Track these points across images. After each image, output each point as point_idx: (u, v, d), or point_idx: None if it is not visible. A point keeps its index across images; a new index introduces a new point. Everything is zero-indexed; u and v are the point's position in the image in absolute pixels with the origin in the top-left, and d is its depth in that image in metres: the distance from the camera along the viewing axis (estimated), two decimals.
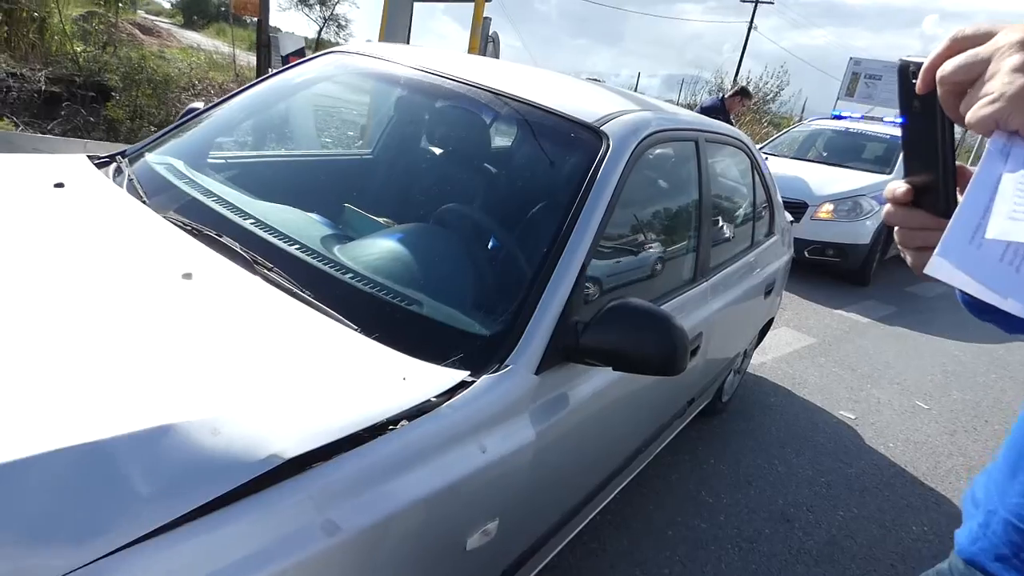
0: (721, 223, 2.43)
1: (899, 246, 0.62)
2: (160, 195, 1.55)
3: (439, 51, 2.25)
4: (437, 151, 1.99)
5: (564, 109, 1.67)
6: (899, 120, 0.56)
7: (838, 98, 11.50)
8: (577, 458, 1.47)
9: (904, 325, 5.32)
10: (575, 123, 1.63)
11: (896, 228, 0.61)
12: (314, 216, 1.64)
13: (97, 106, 7.13)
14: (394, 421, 1.02)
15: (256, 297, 1.21)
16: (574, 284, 1.34)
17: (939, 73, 0.49)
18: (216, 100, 2.08)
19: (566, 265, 1.35)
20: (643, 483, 2.39)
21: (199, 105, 2.08)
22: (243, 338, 1.08)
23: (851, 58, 11.69)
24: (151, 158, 1.78)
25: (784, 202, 5.17)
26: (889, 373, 4.21)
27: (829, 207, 5.93)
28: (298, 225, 1.53)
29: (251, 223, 1.45)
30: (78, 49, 8.20)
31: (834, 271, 6.16)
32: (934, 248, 0.58)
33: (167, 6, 41.44)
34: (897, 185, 0.58)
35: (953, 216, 0.47)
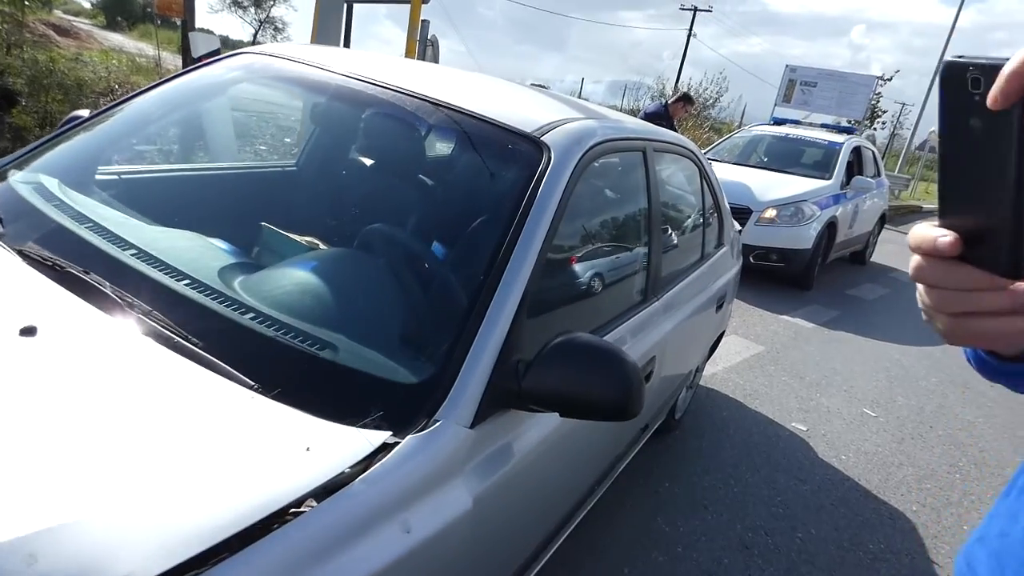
0: (672, 236, 2.31)
1: (926, 309, 0.47)
2: (18, 223, 1.29)
3: (364, 53, 2.05)
4: (361, 164, 1.79)
5: (501, 118, 1.50)
6: (936, 134, 0.41)
7: (776, 104, 11.74)
8: (523, 515, 1.30)
9: (848, 329, 5.38)
10: (513, 133, 1.46)
11: (923, 287, 0.46)
12: (217, 242, 1.42)
13: (1, 113, 6.57)
14: (298, 503, 0.83)
15: (121, 354, 0.98)
16: (514, 316, 1.16)
17: None
18: (103, 107, 1.82)
19: (505, 294, 1.17)
20: (596, 515, 2.24)
21: (83, 113, 1.81)
22: (94, 413, 0.86)
23: (787, 65, 11.96)
24: (16, 177, 1.51)
25: (729, 207, 5.19)
26: (836, 380, 4.21)
27: (772, 212, 5.96)
28: (194, 254, 1.31)
29: (131, 254, 1.22)
30: None
31: (778, 276, 6.20)
32: (982, 314, 0.43)
33: (87, 6, 39.51)
34: (934, 232, 0.42)
35: None
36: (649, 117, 5.75)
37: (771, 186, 6.27)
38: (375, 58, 1.92)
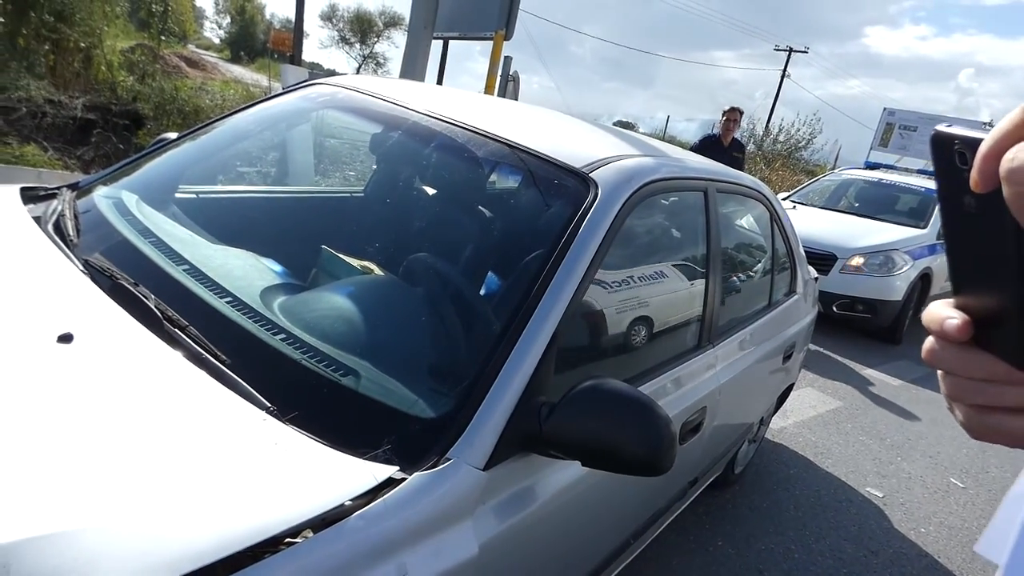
0: (734, 281, 2.20)
1: (945, 396, 0.41)
2: (91, 234, 1.39)
3: (429, 87, 2.10)
4: (416, 193, 1.82)
5: (553, 152, 1.48)
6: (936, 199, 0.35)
7: (871, 148, 11.20)
8: (537, 569, 1.24)
9: (937, 389, 4.93)
10: (561, 168, 1.44)
11: (941, 373, 0.40)
12: (269, 262, 1.47)
13: (129, 134, 7.22)
14: (294, 533, 0.82)
15: (146, 367, 1.02)
16: (542, 356, 1.13)
17: (1008, 165, 0.28)
18: (192, 128, 1.95)
19: (535, 332, 1.14)
20: (638, 568, 2.12)
21: (171, 135, 1.95)
22: (100, 425, 0.89)
23: (885, 108, 11.41)
24: (102, 191, 1.63)
25: (812, 253, 4.93)
26: (921, 444, 3.87)
27: (860, 260, 5.63)
28: (240, 273, 1.36)
29: (184, 270, 1.28)
30: (119, 79, 8.39)
31: (864, 327, 5.82)
32: (1005, 409, 0.37)
33: (216, 41, 43.29)
34: (944, 312, 0.37)
35: None
36: (702, 146, 5.67)
37: (860, 233, 5.93)
38: (437, 91, 1.96)
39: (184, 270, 1.29)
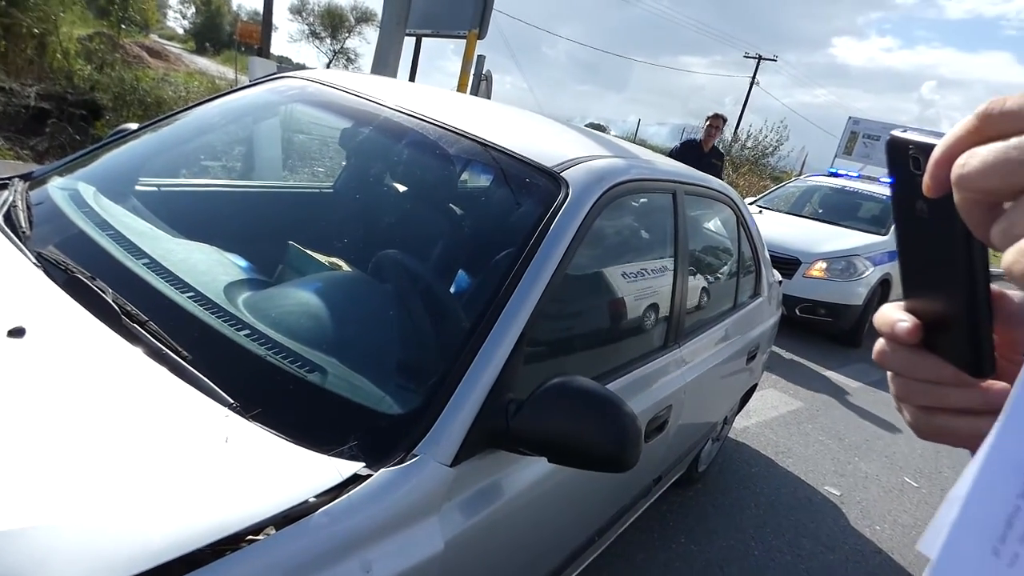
0: (700, 282, 2.24)
1: (894, 396, 0.42)
2: (45, 227, 1.35)
3: (401, 83, 2.09)
4: (385, 189, 1.80)
5: (523, 151, 1.49)
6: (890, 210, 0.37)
7: (836, 156, 11.50)
8: (503, 564, 1.24)
9: None
10: (532, 166, 1.45)
11: (891, 374, 0.41)
12: (234, 258, 1.44)
13: (86, 124, 7.01)
14: (256, 530, 0.81)
15: (105, 362, 0.99)
16: (511, 354, 1.13)
17: (958, 171, 0.29)
18: (154, 119, 1.90)
19: (503, 329, 1.14)
20: (602, 565, 2.14)
21: (132, 126, 1.90)
22: (53, 421, 0.86)
23: (850, 117, 11.71)
24: (57, 182, 1.58)
25: (777, 257, 5.03)
26: (878, 444, 3.98)
27: (822, 265, 5.76)
28: (204, 268, 1.33)
29: (144, 264, 1.25)
30: (76, 67, 8.14)
31: (825, 331, 5.97)
32: (950, 410, 0.38)
33: (181, 32, 42.29)
34: (895, 315, 0.38)
35: (966, 484, 0.26)
36: (682, 149, 5.66)
37: (823, 238, 6.08)
38: (409, 88, 1.95)
39: (144, 264, 1.26)
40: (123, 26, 11.22)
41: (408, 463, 0.97)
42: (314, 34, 39.24)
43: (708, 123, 5.82)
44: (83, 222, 1.37)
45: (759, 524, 2.75)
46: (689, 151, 5.60)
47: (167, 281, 1.21)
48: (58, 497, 0.75)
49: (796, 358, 5.33)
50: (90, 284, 1.11)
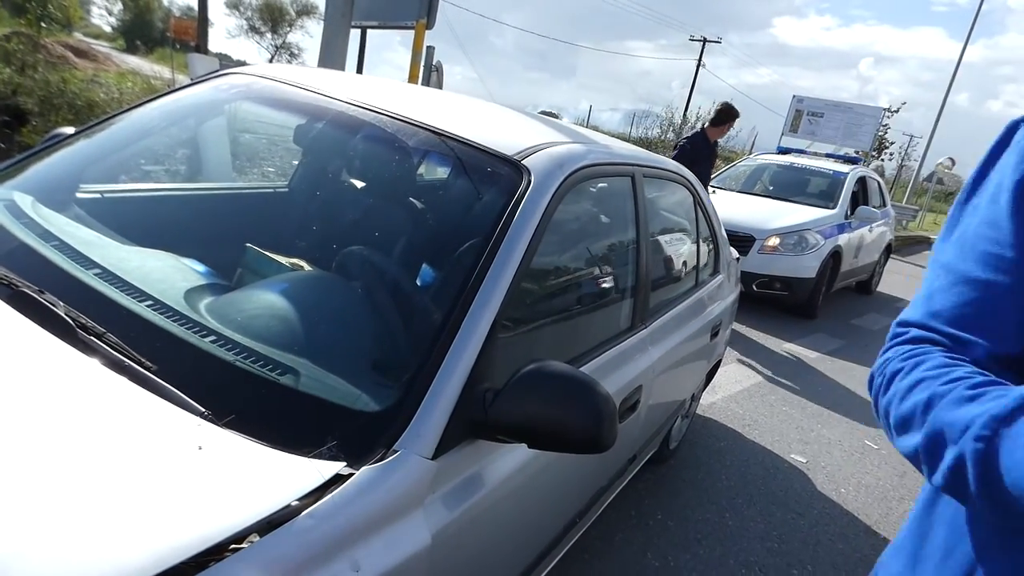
0: (662, 263, 2.27)
1: None
2: None
3: (353, 76, 2.05)
4: (343, 186, 1.77)
5: (483, 140, 1.48)
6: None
7: (782, 134, 11.80)
8: (490, 552, 1.24)
9: (852, 359, 5.29)
10: (493, 156, 1.44)
11: None
12: (191, 263, 1.39)
13: (10, 131, 6.67)
14: (239, 538, 0.79)
15: (62, 378, 0.95)
16: (484, 343, 1.13)
17: None
18: (91, 123, 1.82)
19: (476, 320, 1.14)
20: (583, 546, 2.17)
21: (67, 130, 1.81)
22: (18, 440, 0.82)
23: (794, 96, 12.03)
24: None
25: (732, 235, 5.12)
26: (838, 411, 4.12)
27: (776, 240, 5.92)
28: (160, 276, 1.29)
29: (95, 274, 1.20)
30: None
31: (782, 304, 6.14)
32: None
33: (108, 29, 40.43)
34: None
35: None
36: (691, 146, 5.24)
37: (775, 214, 6.24)
38: (361, 80, 1.91)
39: (96, 274, 1.20)
40: (43, 24, 10.62)
41: (389, 459, 0.96)
42: (253, 29, 38.17)
43: (727, 124, 5.27)
44: (23, 233, 1.30)
45: (731, 495, 2.82)
46: (700, 145, 5.23)
47: (122, 290, 1.16)
48: (25, 521, 0.71)
49: (756, 332, 5.47)
50: (38, 298, 1.06)
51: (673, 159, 5.20)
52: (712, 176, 7.92)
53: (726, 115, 5.19)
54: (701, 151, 5.18)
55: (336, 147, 1.78)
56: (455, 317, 1.13)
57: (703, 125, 5.53)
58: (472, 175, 1.45)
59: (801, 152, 8.46)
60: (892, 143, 21.81)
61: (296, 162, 2.19)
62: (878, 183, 8.18)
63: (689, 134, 5.60)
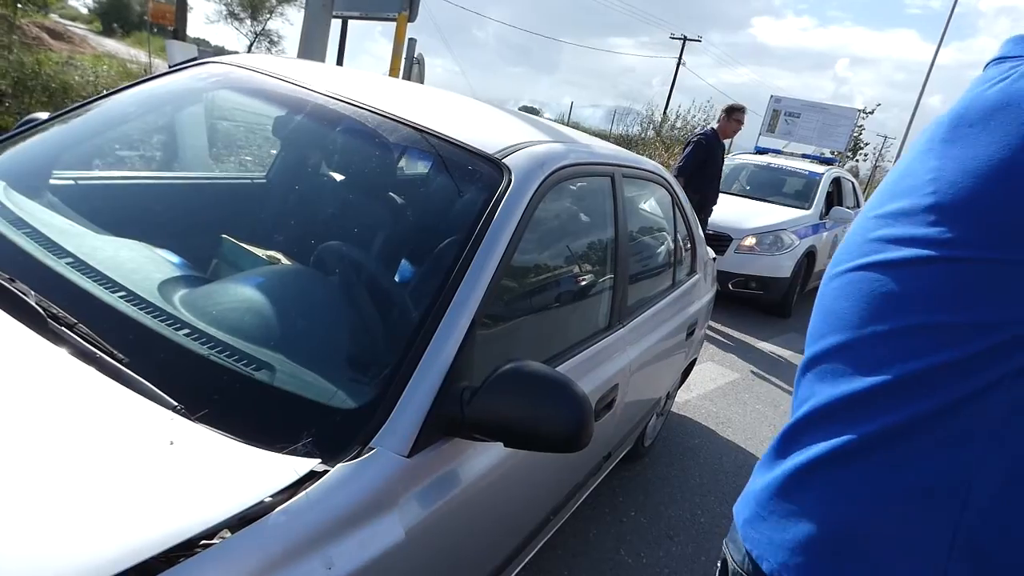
0: (640, 263, 2.29)
1: None
2: None
3: (335, 68, 2.03)
4: (322, 179, 1.76)
5: (463, 138, 1.48)
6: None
7: (760, 134, 11.93)
8: (465, 548, 1.25)
9: None
10: (474, 154, 1.44)
11: None
12: (165, 254, 1.37)
13: None
14: (210, 534, 0.78)
15: (30, 369, 0.93)
16: (462, 342, 1.13)
17: None
18: (66, 108, 1.78)
19: (454, 318, 1.14)
20: (557, 543, 2.19)
21: (41, 115, 1.77)
22: None
23: (772, 96, 12.17)
24: None
25: (710, 234, 5.18)
26: None
27: (752, 240, 6.00)
28: (136, 266, 1.27)
29: (67, 263, 1.18)
30: None
31: (757, 303, 6.23)
32: None
33: (84, 11, 39.51)
34: None
35: None
36: (707, 142, 5.26)
37: (752, 214, 6.32)
38: (344, 73, 1.90)
39: (68, 263, 1.18)
40: (19, 5, 10.36)
41: (365, 456, 0.96)
42: (232, 15, 37.45)
43: (734, 118, 5.36)
44: None
45: (704, 492, 2.86)
46: (713, 143, 5.29)
47: (95, 280, 1.15)
48: None
49: (731, 331, 5.54)
50: (9, 286, 1.04)
51: (687, 155, 5.26)
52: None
53: (730, 110, 5.37)
54: (714, 150, 5.22)
55: (316, 140, 1.76)
56: (434, 315, 1.13)
57: (713, 127, 5.48)
58: (453, 173, 1.45)
59: (778, 152, 8.57)
60: (867, 144, 22.20)
61: (274, 152, 2.17)
62: (852, 184, 8.33)
63: (701, 131, 5.58)
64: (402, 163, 1.66)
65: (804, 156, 8.28)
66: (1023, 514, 0.63)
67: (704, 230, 4.64)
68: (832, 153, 10.43)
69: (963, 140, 0.66)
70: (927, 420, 0.66)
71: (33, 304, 1.01)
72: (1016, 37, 0.70)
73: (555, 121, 3.28)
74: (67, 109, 1.77)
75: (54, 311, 1.02)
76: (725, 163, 8.30)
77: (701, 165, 5.19)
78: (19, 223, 1.28)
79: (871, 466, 0.70)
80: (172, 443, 0.87)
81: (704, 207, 5.16)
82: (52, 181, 1.61)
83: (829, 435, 0.74)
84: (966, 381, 0.64)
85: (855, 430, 0.71)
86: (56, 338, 0.99)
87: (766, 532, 0.80)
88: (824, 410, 0.76)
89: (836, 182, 7.46)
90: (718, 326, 5.52)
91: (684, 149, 5.48)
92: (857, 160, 21.09)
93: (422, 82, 6.06)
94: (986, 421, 0.63)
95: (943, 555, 0.66)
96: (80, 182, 1.71)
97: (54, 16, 21.64)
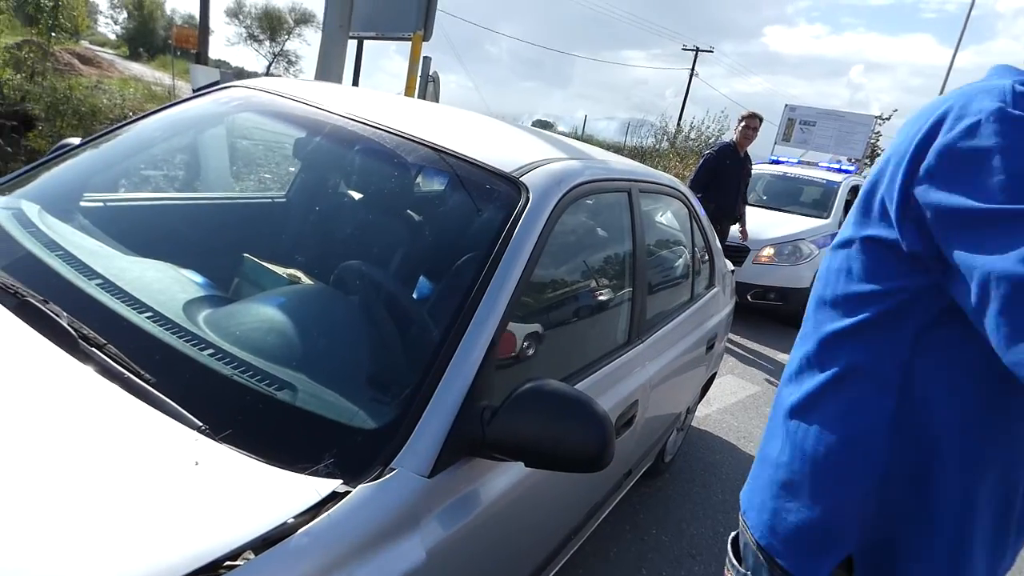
0: (658, 277, 2.28)
1: None
2: None
3: (351, 90, 2.06)
4: (342, 199, 1.78)
5: (481, 157, 1.49)
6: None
7: (775, 143, 11.84)
8: (486, 569, 1.24)
9: None
10: (492, 173, 1.45)
11: None
12: (190, 274, 1.40)
13: (18, 136, 6.69)
14: (234, 555, 0.79)
15: (61, 389, 0.95)
16: (483, 361, 1.13)
17: None
18: (97, 133, 1.83)
19: (474, 337, 1.14)
20: (578, 561, 2.17)
21: (74, 140, 1.82)
22: (13, 452, 0.83)
23: (787, 105, 12.08)
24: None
25: (727, 246, 5.15)
26: None
27: (770, 251, 5.95)
28: (162, 286, 1.29)
29: (97, 285, 1.21)
30: (5, 77, 7.76)
31: (776, 315, 6.16)
32: None
33: (112, 37, 40.62)
34: None
35: None
36: (719, 156, 5.28)
37: (769, 225, 6.27)
38: (361, 95, 1.93)
39: (98, 284, 1.21)
40: (53, 34, 10.73)
41: (386, 477, 0.96)
42: (252, 37, 38.29)
43: (743, 123, 5.29)
44: (30, 242, 1.31)
45: (726, 509, 2.82)
46: (727, 157, 5.29)
47: (123, 301, 1.17)
48: (17, 534, 0.72)
49: (751, 343, 5.48)
50: (42, 308, 1.07)
51: (695, 172, 5.27)
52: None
53: (741, 119, 5.35)
54: (727, 164, 5.20)
55: (335, 162, 1.79)
56: (454, 333, 1.13)
57: (732, 141, 5.41)
58: (471, 192, 1.46)
59: (799, 163, 8.51)
60: (884, 150, 21.85)
61: (293, 170, 2.21)
62: None
63: (718, 147, 5.52)
64: (421, 182, 1.68)
65: (828, 168, 8.16)
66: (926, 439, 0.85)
67: (723, 242, 4.63)
68: (853, 161, 10.31)
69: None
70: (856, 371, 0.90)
71: (65, 325, 1.04)
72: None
73: (569, 134, 3.30)
74: (98, 134, 1.82)
75: (85, 332, 1.04)
76: None
77: (712, 179, 5.19)
78: (52, 245, 1.32)
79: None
80: (197, 463, 0.89)
81: (719, 220, 5.13)
82: (83, 203, 1.65)
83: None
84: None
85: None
86: (86, 358, 1.01)
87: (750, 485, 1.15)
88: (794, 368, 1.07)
89: (855, 190, 7.38)
90: (737, 338, 5.47)
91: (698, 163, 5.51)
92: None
93: (437, 99, 6.13)
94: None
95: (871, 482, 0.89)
96: (109, 204, 1.75)
97: (84, 42, 22.27)
